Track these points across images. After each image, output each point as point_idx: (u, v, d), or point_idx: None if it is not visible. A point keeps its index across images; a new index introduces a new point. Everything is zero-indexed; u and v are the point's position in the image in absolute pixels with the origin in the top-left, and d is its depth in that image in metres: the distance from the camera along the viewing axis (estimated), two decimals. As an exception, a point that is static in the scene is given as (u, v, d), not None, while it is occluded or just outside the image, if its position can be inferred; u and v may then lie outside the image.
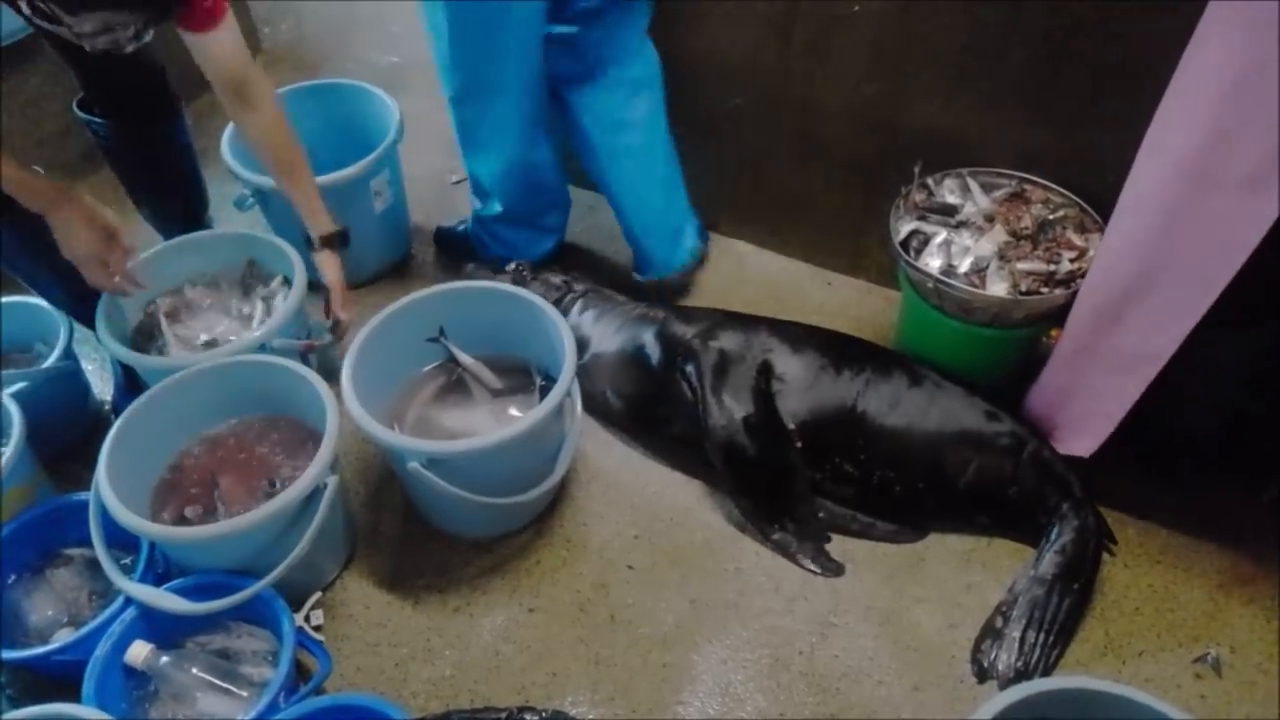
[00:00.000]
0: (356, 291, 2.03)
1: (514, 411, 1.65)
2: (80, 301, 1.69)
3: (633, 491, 1.70)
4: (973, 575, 1.55)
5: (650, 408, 1.72)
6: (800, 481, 1.62)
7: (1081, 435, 1.55)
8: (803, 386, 1.62)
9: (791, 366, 1.64)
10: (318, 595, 1.52)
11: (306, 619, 1.48)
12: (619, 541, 1.63)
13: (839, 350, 1.68)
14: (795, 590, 1.55)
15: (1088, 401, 1.53)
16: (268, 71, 1.94)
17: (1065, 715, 1.18)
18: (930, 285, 1.62)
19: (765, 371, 1.62)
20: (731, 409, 1.58)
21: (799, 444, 1.61)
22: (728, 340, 1.65)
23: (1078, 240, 1.64)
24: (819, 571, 1.56)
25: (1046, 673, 1.41)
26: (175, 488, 1.55)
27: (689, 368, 1.64)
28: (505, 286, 1.69)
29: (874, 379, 1.62)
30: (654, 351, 1.70)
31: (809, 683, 1.43)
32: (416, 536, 1.64)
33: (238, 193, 2.01)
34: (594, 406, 1.77)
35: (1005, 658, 1.43)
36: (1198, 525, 1.58)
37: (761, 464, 1.58)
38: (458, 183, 2.41)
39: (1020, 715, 1.15)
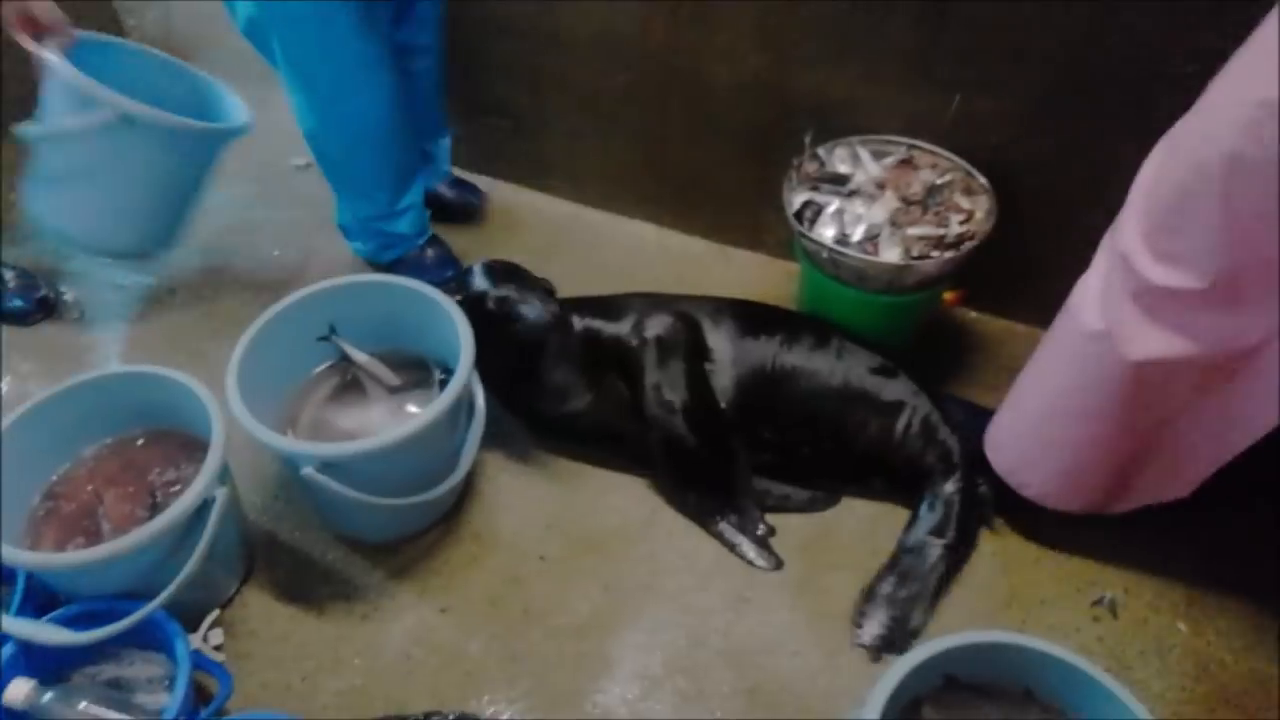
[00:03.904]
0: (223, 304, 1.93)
1: (412, 408, 1.61)
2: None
3: (541, 482, 1.68)
4: (880, 540, 1.57)
5: (587, 414, 1.66)
6: (742, 469, 1.61)
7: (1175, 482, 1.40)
8: (728, 358, 1.61)
9: (715, 342, 1.62)
10: (215, 614, 1.45)
11: (204, 639, 1.41)
12: (530, 533, 1.60)
13: (754, 318, 1.68)
14: (709, 568, 1.55)
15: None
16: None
17: (974, 669, 1.20)
18: (825, 255, 1.63)
19: (698, 353, 1.61)
20: (669, 399, 1.55)
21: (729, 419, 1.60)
22: (656, 326, 1.62)
23: (965, 203, 1.67)
24: (764, 565, 1.55)
25: (913, 631, 1.45)
26: (54, 512, 1.46)
27: (625, 363, 1.61)
28: (394, 279, 1.63)
29: (787, 342, 1.62)
30: (585, 354, 1.63)
31: (726, 659, 1.43)
32: (318, 544, 1.59)
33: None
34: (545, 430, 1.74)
35: (876, 619, 1.46)
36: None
37: (702, 451, 1.57)
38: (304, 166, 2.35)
39: (929, 673, 1.17)
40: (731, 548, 1.58)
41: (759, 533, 1.58)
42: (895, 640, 1.44)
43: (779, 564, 1.56)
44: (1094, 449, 1.39)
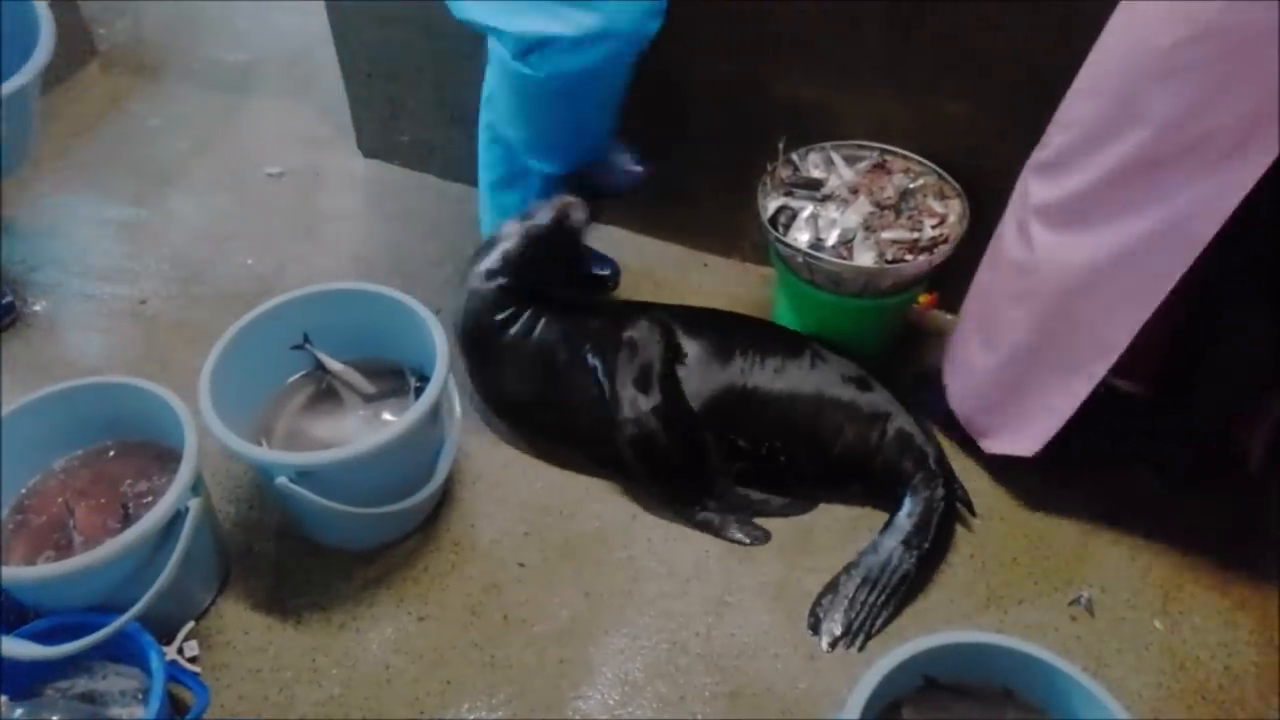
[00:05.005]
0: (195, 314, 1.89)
1: (388, 416, 1.60)
2: None
3: (520, 488, 1.67)
4: (859, 542, 1.57)
5: (553, 409, 1.67)
6: (714, 460, 1.62)
7: (1022, 435, 1.50)
8: (701, 366, 1.62)
9: (690, 349, 1.63)
10: (190, 625, 1.43)
11: (179, 651, 1.40)
12: (509, 540, 1.59)
13: (728, 327, 1.69)
14: (688, 573, 1.54)
15: (1031, 400, 1.48)
16: (103, 76, 1.81)
17: (953, 669, 1.21)
18: (800, 260, 1.64)
19: (671, 358, 1.62)
20: (640, 401, 1.56)
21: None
22: (631, 328, 1.63)
23: (938, 207, 1.68)
24: (749, 541, 1.58)
25: (870, 633, 1.47)
26: (24, 525, 1.44)
27: (596, 361, 1.62)
28: (368, 286, 1.62)
29: (760, 351, 1.63)
30: (559, 351, 1.64)
31: (707, 663, 1.43)
32: (295, 553, 1.57)
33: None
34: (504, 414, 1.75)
35: (836, 614, 1.48)
36: (1066, 469, 1.63)
37: (674, 451, 1.58)
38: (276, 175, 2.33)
39: (908, 674, 1.18)
40: (717, 533, 1.59)
41: (741, 514, 1.61)
42: (853, 640, 1.46)
43: (767, 536, 1.58)
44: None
